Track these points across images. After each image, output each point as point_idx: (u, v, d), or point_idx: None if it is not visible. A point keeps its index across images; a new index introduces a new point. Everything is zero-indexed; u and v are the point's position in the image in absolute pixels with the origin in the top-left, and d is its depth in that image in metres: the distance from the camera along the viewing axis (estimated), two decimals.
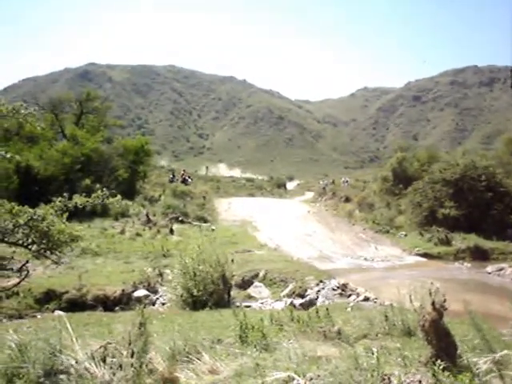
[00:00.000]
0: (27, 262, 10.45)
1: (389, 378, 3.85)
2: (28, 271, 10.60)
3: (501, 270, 14.61)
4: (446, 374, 3.72)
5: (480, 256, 17.20)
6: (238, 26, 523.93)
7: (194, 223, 22.14)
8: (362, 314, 7.08)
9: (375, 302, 9.99)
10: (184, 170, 40.44)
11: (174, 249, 15.46)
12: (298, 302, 10.36)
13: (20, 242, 9.33)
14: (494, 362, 4.11)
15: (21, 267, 10.50)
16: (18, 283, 10.36)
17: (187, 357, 4.74)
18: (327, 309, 6.49)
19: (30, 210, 9.09)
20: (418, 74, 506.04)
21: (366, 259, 17.10)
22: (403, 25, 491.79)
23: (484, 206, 20.25)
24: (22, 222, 8.87)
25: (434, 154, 29.42)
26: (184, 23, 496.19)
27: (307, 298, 10.67)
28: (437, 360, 3.91)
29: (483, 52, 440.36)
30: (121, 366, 4.39)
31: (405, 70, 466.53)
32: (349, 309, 8.75)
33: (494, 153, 30.29)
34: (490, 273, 14.72)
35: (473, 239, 18.31)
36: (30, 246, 9.42)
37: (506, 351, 4.21)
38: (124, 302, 10.99)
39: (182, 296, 9.68)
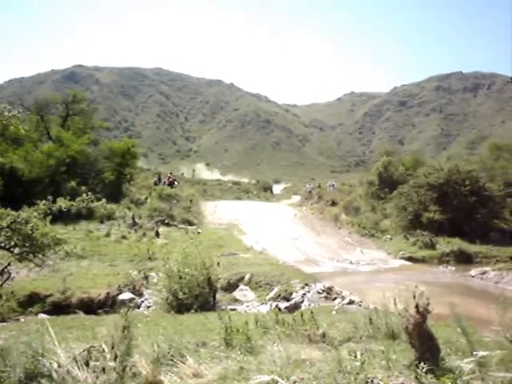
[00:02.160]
0: (9, 264, 10.30)
1: (372, 381, 3.88)
2: (10, 273, 10.45)
3: (484, 273, 14.81)
4: (429, 376, 3.76)
5: (464, 260, 17.41)
6: (225, 29, 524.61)
7: (180, 226, 22.03)
8: (347, 318, 7.11)
9: (360, 306, 10.03)
10: (171, 173, 40.24)
11: (159, 252, 15.34)
12: (283, 305, 10.37)
13: (2, 244, 9.20)
14: (477, 363, 4.15)
15: (2, 270, 10.35)
16: (0, 286, 10.21)
17: (171, 360, 4.71)
18: (312, 312, 6.50)
19: (13, 212, 8.99)
20: (404, 79, 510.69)
21: (351, 263, 17.18)
22: (389, 31, 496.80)
23: (468, 210, 20.51)
24: (4, 224, 8.76)
25: (419, 159, 29.80)
26: (171, 26, 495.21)
27: (292, 302, 10.67)
28: (420, 363, 3.94)
29: (468, 58, 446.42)
30: (104, 370, 4.36)
31: (391, 75, 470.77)
32: (334, 312, 8.77)
33: (478, 158, 30.71)
34: (473, 276, 14.90)
35: (457, 243, 18.52)
36: (12, 249, 9.29)
37: (486, 352, 4.26)
38: (109, 304, 10.89)
39: (167, 299, 9.62)
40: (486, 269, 15.13)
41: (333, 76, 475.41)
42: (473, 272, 15.17)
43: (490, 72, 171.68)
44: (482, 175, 22.05)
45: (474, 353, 4.27)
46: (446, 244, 18.63)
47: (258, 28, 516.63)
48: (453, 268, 16.41)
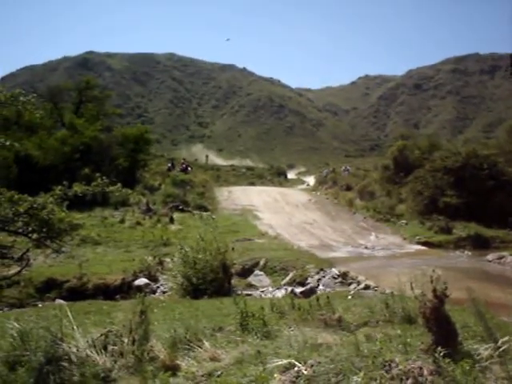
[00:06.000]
0: (28, 250, 10.45)
1: (390, 365, 3.86)
2: (29, 260, 10.62)
3: (501, 258, 14.61)
4: (447, 360, 3.72)
5: (481, 244, 17.19)
6: (237, 12, 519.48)
7: (195, 212, 22.10)
8: (363, 302, 7.08)
9: (376, 290, 9.97)
10: (184, 159, 40.39)
11: (174, 237, 15.46)
12: (298, 290, 10.36)
13: (20, 230, 9.31)
14: (495, 348, 4.11)
15: (21, 256, 10.50)
16: (19, 272, 10.37)
17: (188, 345, 4.75)
18: (328, 297, 6.50)
19: (30, 198, 9.07)
20: (420, 61, 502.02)
21: (366, 248, 17.10)
22: (404, 12, 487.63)
23: (485, 195, 20.21)
24: (22, 210, 8.85)
25: (435, 143, 29.28)
26: (184, 11, 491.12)
27: (308, 287, 10.66)
28: (437, 347, 3.91)
29: (485, 39, 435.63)
30: (122, 354, 4.42)
31: (406, 57, 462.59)
32: (349, 297, 8.75)
33: (496, 141, 30.19)
34: (490, 261, 14.72)
35: (473, 228, 18.30)
36: (30, 235, 9.40)
37: (507, 338, 4.21)
38: (124, 290, 11.00)
39: (182, 284, 9.69)
40: (504, 253, 14.92)
41: (346, 58, 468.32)
42: (490, 257, 14.98)
43: (507, 53, 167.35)
44: (500, 159, 21.68)
45: (494, 338, 4.22)
46: (463, 229, 18.41)
47: (271, 12, 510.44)
48: (469, 253, 16.24)
